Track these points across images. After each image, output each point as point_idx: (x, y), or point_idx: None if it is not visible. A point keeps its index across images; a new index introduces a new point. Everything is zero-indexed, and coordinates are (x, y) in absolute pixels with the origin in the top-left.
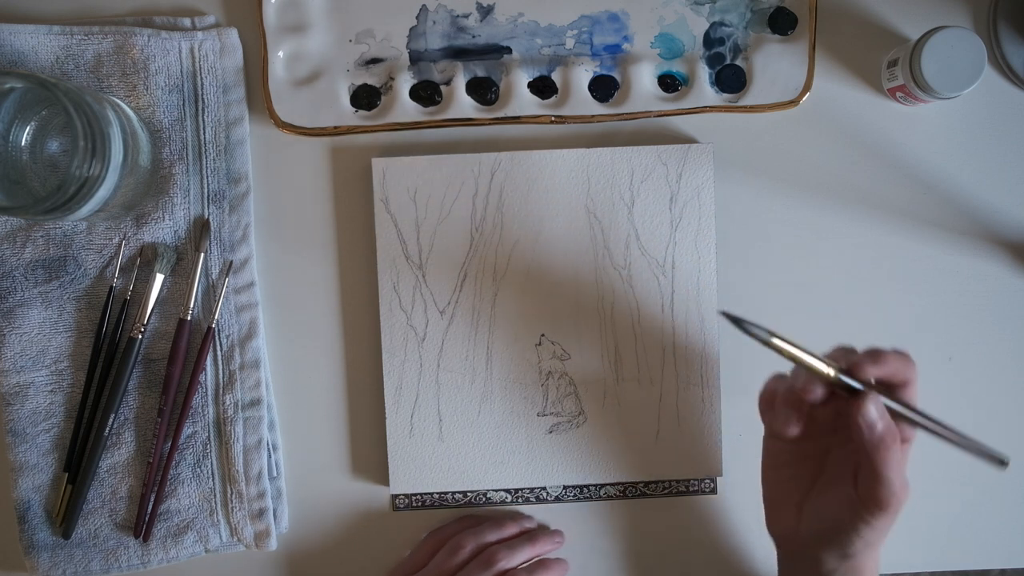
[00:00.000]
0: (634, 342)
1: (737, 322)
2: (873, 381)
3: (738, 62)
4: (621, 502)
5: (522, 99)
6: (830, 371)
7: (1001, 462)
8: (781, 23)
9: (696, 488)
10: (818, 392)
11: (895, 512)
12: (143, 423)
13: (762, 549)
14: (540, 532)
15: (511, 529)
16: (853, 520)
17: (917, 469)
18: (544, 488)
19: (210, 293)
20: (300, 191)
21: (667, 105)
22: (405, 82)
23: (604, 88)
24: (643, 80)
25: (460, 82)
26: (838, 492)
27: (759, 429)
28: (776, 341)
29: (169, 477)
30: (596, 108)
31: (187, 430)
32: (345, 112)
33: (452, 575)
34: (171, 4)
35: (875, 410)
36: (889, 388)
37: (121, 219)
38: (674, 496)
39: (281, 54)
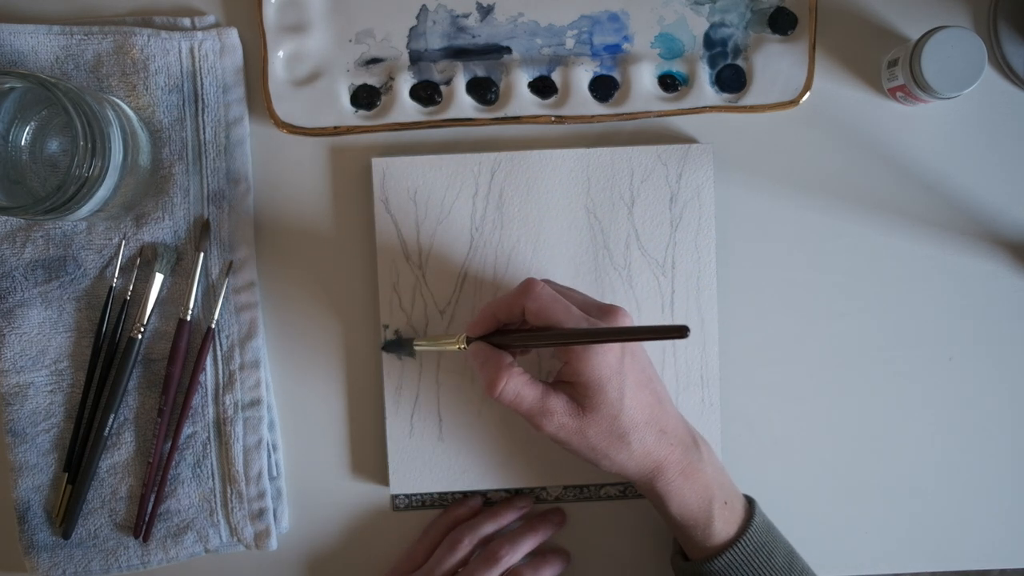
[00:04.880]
0: None
1: (395, 348)
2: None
3: (738, 62)
4: (621, 502)
5: (522, 99)
6: (460, 344)
7: (681, 330)
8: (781, 23)
9: None
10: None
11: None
12: (143, 423)
13: None
14: (539, 518)
15: (509, 516)
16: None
17: (918, 469)
18: (544, 488)
19: (210, 293)
20: (300, 191)
21: (667, 105)
22: (405, 82)
23: (604, 88)
24: (643, 80)
25: (460, 82)
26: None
27: (759, 429)
28: (416, 346)
29: (169, 477)
30: (596, 108)
31: (187, 430)
32: (345, 112)
33: (453, 573)
34: (171, 4)
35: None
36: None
37: (121, 219)
38: None
39: (281, 54)
